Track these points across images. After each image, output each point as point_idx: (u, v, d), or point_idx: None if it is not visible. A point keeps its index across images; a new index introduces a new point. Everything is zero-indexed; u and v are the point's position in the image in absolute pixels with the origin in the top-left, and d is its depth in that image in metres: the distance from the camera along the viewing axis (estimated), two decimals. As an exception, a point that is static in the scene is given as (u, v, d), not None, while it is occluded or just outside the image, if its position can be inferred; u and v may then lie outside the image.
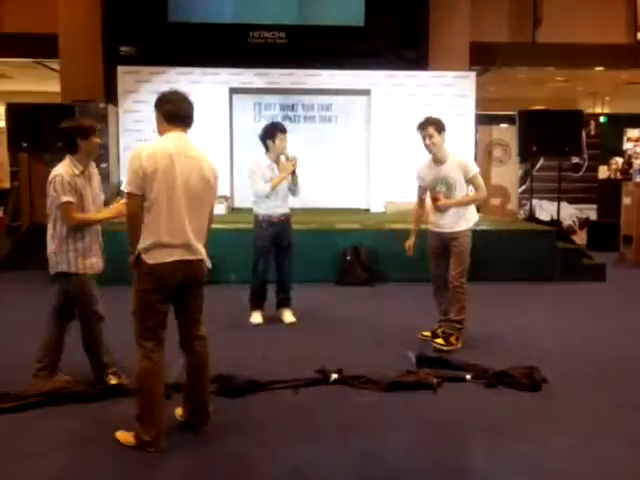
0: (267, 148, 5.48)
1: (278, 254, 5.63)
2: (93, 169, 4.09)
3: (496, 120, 11.71)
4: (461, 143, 9.41)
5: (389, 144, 9.47)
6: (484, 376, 4.20)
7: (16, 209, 8.84)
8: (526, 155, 9.34)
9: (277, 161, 5.48)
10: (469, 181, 4.91)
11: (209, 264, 3.52)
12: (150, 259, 3.25)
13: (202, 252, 3.43)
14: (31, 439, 3.41)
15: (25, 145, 8.33)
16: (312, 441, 3.40)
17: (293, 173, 5.47)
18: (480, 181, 4.93)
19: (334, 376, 4.16)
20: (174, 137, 3.42)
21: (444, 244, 4.94)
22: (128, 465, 3.14)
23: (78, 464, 3.15)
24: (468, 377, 4.22)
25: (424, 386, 4.07)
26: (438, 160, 4.92)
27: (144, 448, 3.23)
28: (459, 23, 9.86)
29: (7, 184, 8.90)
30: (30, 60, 11.33)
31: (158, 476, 3.10)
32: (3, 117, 8.94)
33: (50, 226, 3.95)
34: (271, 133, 5.45)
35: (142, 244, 3.24)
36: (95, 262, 4.00)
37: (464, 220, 4.92)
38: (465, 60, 9.88)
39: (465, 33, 9.88)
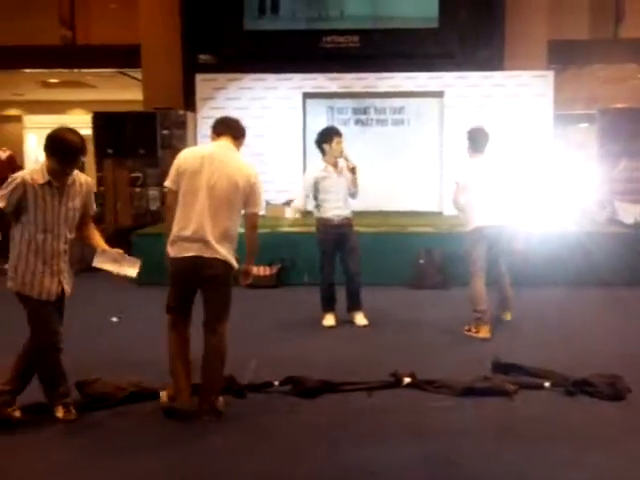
0: (323, 152, 5.57)
1: (343, 257, 5.65)
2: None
3: (575, 120, 11.35)
4: (538, 144, 9.21)
5: (462, 146, 9.32)
6: (563, 384, 4.10)
7: (101, 213, 9.27)
8: (607, 155, 9.01)
9: (335, 164, 5.55)
10: None
11: (235, 265, 3.66)
12: (172, 252, 3.57)
13: (222, 252, 3.55)
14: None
15: (110, 152, 8.75)
16: (385, 444, 3.42)
17: (353, 173, 5.53)
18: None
19: (407, 380, 4.16)
20: (216, 144, 3.75)
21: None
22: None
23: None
24: (547, 384, 4.12)
25: (499, 392, 4.00)
26: None
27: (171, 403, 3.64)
28: (536, 21, 9.63)
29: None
30: (114, 70, 11.89)
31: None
32: (89, 125, 9.41)
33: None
34: (327, 137, 5.56)
35: (170, 236, 3.57)
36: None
37: None
38: (542, 59, 9.63)
39: (543, 31, 9.63)
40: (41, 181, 3.36)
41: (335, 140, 5.51)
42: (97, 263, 3.56)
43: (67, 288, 3.54)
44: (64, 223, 3.44)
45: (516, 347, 4.96)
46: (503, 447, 3.37)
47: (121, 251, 3.62)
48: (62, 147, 3.37)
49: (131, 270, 3.61)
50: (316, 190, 5.57)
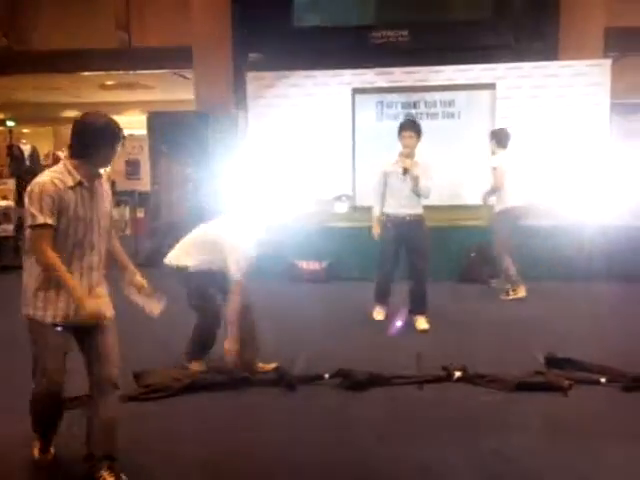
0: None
1: (409, 257, 5.47)
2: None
3: (634, 109, 10.96)
4: (594, 134, 8.96)
5: (514, 138, 9.17)
6: (620, 379, 4.00)
7: (156, 211, 9.51)
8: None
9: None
10: None
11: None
12: None
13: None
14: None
15: (164, 150, 8.97)
16: (438, 438, 3.41)
17: (405, 172, 5.29)
18: None
19: (458, 374, 4.14)
20: None
21: None
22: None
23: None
24: (603, 380, 4.03)
25: (554, 387, 3.94)
26: None
27: None
28: (593, 8, 9.34)
29: (148, 187, 9.61)
30: (168, 71, 12.16)
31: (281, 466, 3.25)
32: (144, 125, 9.67)
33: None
34: (399, 129, 5.41)
35: None
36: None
37: None
38: (599, 47, 9.34)
39: (600, 18, 9.34)
40: (71, 183, 2.77)
41: (401, 135, 5.35)
42: (127, 291, 3.19)
43: (106, 311, 2.94)
44: (98, 231, 2.87)
45: (570, 341, 4.86)
46: (557, 443, 3.32)
47: (148, 287, 3.22)
48: (111, 131, 2.81)
49: (155, 308, 3.27)
50: (384, 185, 5.44)
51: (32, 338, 2.87)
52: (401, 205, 5.38)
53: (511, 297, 6.40)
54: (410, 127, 5.35)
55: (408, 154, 5.32)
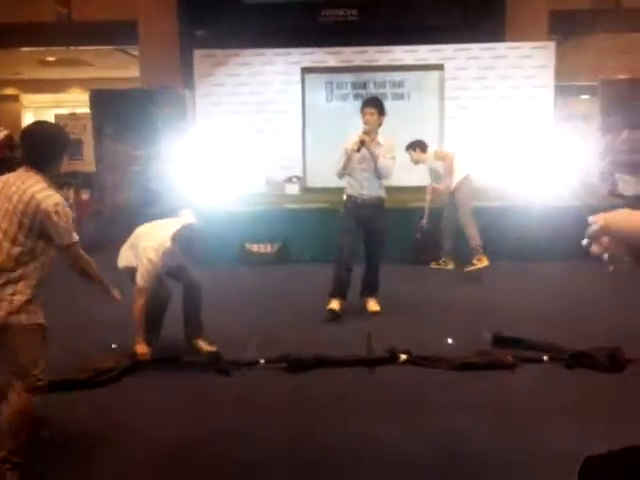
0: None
1: (365, 240, 5.32)
2: None
3: (576, 91, 11.24)
4: (539, 115, 9.15)
5: (463, 119, 9.28)
6: (562, 357, 4.12)
7: (101, 192, 9.25)
8: (609, 127, 8.94)
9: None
10: None
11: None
12: None
13: None
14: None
15: (108, 131, 8.69)
16: (389, 418, 3.45)
17: (358, 150, 5.05)
18: None
19: (402, 357, 4.18)
20: None
21: None
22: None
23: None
24: (545, 358, 4.15)
25: (499, 366, 4.03)
26: None
27: None
28: (537, -9, 9.50)
29: (92, 168, 9.32)
30: (111, 47, 11.78)
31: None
32: (87, 104, 9.35)
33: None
34: (361, 107, 5.23)
35: None
36: None
37: None
38: (544, 30, 9.52)
39: (544, 1, 9.50)
40: None
41: (363, 111, 5.14)
42: None
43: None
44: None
45: (519, 321, 4.98)
46: (505, 420, 3.40)
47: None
48: (65, 138, 3.07)
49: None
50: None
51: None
52: (361, 187, 5.21)
53: (476, 267, 6.46)
54: (371, 104, 5.16)
55: (368, 132, 5.10)
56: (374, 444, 3.17)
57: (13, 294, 2.77)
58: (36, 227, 2.80)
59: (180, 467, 3.04)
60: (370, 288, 5.45)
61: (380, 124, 5.21)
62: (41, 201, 2.79)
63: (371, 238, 5.30)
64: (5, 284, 2.78)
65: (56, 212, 2.81)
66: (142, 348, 4.15)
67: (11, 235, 2.79)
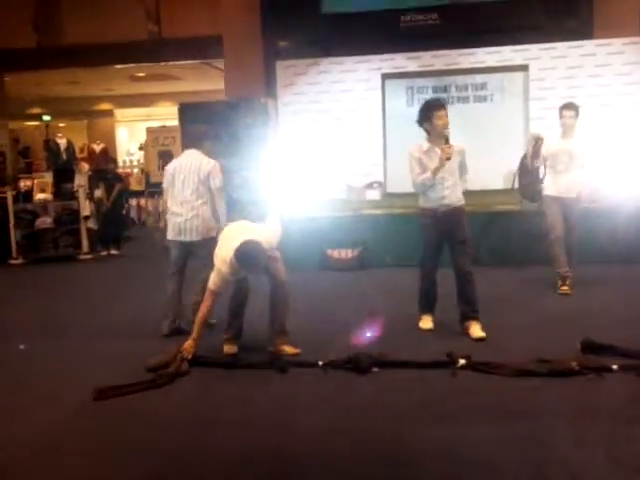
0: (428, 133, 4.83)
1: (452, 251, 4.87)
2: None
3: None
4: (632, 114, 8.75)
5: (550, 121, 8.99)
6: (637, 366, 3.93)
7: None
8: None
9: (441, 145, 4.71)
10: None
11: None
12: None
13: None
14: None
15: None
16: (469, 424, 3.41)
17: (448, 159, 4.69)
18: None
19: (462, 361, 4.12)
20: None
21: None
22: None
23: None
24: (615, 367, 3.97)
25: (561, 373, 3.90)
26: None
27: None
28: (628, -16, 9.10)
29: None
30: (198, 61, 12.25)
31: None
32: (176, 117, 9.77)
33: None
34: (425, 114, 4.76)
35: None
36: None
37: None
38: (635, 25, 9.09)
39: (635, -6, 9.09)
40: None
41: (435, 115, 4.68)
42: None
43: None
44: None
45: (609, 326, 4.79)
46: (592, 429, 3.29)
47: None
48: None
49: None
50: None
51: None
52: (443, 197, 4.82)
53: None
54: (443, 105, 4.80)
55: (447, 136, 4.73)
56: (450, 449, 3.14)
57: None
58: None
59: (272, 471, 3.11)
60: (472, 312, 4.87)
61: None
62: None
63: (459, 251, 4.86)
64: None
65: None
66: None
67: None
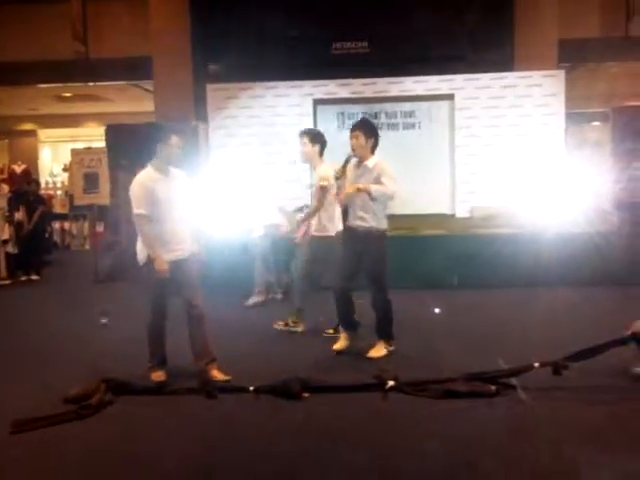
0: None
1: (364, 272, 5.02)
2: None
3: (588, 118, 11.27)
4: (551, 143, 9.17)
5: (474, 148, 9.33)
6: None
7: (116, 225, 9.35)
8: (622, 153, 8.92)
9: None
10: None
11: None
12: None
13: None
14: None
15: (124, 163, 8.82)
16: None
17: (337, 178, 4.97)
18: None
19: (390, 383, 4.16)
20: None
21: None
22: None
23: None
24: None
25: (481, 394, 3.99)
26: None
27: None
28: (546, 20, 9.60)
29: (108, 201, 9.44)
30: (126, 82, 12.02)
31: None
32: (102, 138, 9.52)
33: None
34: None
35: None
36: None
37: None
38: (553, 58, 9.60)
39: (553, 30, 9.60)
40: None
41: (350, 136, 4.92)
42: None
43: None
44: None
45: (529, 346, 4.93)
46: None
47: None
48: None
49: None
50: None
51: None
52: (355, 217, 4.92)
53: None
54: (354, 127, 4.94)
55: (358, 156, 4.89)
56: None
57: None
58: None
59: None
60: (379, 331, 5.02)
61: (373, 146, 4.91)
62: None
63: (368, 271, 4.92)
64: None
65: None
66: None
67: None
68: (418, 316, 6.14)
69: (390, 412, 3.89)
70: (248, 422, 3.79)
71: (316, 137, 5.53)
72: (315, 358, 4.91)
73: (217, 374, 4.44)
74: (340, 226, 5.43)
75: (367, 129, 4.92)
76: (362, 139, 4.85)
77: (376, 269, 4.86)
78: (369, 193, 4.68)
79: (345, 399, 4.07)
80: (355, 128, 4.93)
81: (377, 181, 4.76)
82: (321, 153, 5.53)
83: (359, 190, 4.69)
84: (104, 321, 5.08)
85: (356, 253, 4.88)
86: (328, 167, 5.37)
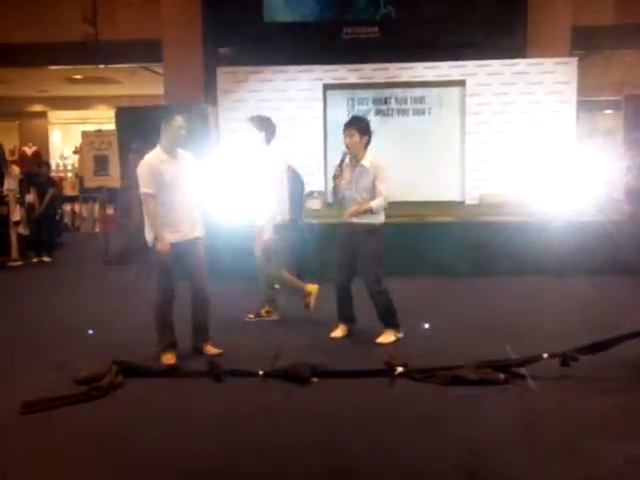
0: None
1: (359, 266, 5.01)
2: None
3: (600, 106, 11.18)
4: (562, 131, 9.12)
5: (484, 135, 9.29)
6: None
7: (127, 208, 9.38)
8: (634, 142, 8.87)
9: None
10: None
11: None
12: None
13: None
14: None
15: (134, 146, 8.84)
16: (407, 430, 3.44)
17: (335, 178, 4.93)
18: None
19: (399, 369, 4.18)
20: None
21: None
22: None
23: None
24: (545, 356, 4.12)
25: (490, 382, 4.00)
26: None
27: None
28: (560, 7, 9.51)
29: (118, 184, 9.46)
30: (136, 65, 12.00)
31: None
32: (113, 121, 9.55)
33: None
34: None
35: None
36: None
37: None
38: (566, 46, 9.51)
39: (566, 17, 9.51)
40: None
41: (343, 134, 4.84)
42: None
43: None
44: None
45: (536, 334, 4.94)
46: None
47: None
48: None
49: None
50: None
51: None
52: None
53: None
54: (348, 125, 4.83)
55: (353, 154, 4.84)
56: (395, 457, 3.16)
57: None
58: None
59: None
60: (382, 319, 4.99)
61: (366, 144, 4.84)
62: None
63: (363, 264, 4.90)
64: None
65: None
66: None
67: None
68: (426, 303, 6.14)
69: (399, 397, 3.92)
70: (258, 406, 3.82)
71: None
72: (322, 344, 4.93)
73: (210, 349, 4.57)
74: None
75: (361, 126, 4.85)
76: (357, 137, 4.78)
77: (372, 263, 4.86)
78: (370, 210, 4.79)
79: (353, 385, 4.09)
80: (349, 126, 4.84)
81: (374, 182, 4.81)
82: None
83: (363, 211, 4.78)
84: (91, 332, 5.17)
85: (352, 248, 4.90)
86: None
